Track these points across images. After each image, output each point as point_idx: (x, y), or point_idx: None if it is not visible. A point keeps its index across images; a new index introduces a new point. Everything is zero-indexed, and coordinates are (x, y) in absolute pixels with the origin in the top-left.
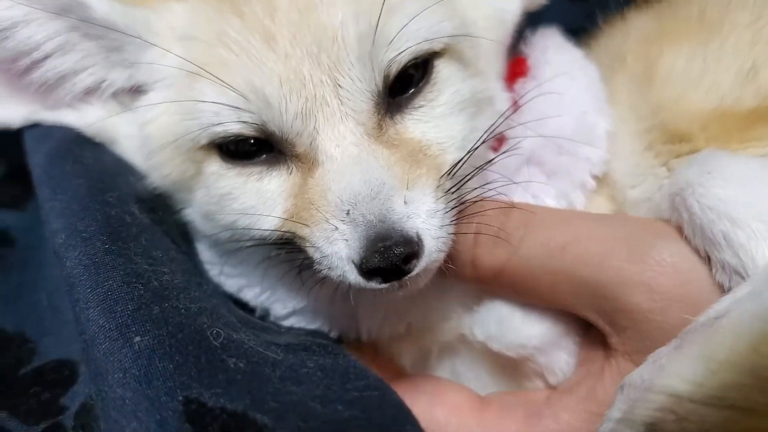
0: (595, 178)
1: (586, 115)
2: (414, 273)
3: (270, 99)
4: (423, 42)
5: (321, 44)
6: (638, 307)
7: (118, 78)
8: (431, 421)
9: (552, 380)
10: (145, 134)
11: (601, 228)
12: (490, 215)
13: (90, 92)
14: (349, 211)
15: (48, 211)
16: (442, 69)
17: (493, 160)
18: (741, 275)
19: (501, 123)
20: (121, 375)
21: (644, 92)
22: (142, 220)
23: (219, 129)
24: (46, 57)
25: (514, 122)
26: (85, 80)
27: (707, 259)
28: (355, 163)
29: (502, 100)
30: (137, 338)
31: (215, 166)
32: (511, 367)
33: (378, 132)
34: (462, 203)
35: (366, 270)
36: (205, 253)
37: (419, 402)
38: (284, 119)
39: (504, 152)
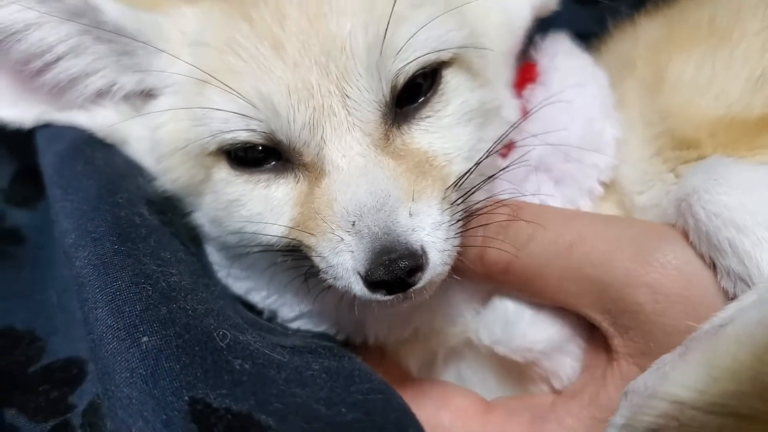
0: (603, 184)
1: (593, 121)
2: (418, 286)
3: (278, 108)
4: (431, 52)
5: (329, 54)
6: (642, 308)
7: (129, 82)
8: (437, 425)
9: (557, 385)
10: (155, 138)
11: (607, 228)
12: (500, 213)
13: (101, 94)
14: (354, 222)
15: (58, 211)
16: (451, 79)
17: (502, 170)
18: (746, 282)
19: (510, 132)
20: (128, 374)
21: (653, 98)
22: (152, 221)
23: (228, 136)
24: (58, 59)
25: (522, 130)
26: (96, 83)
27: (712, 265)
28: (361, 174)
29: (510, 108)
30: (145, 338)
31: (224, 172)
32: (517, 372)
33: (385, 142)
34: (469, 215)
35: (371, 282)
36: (213, 255)
37: (425, 406)
38: (292, 128)
39: (515, 162)
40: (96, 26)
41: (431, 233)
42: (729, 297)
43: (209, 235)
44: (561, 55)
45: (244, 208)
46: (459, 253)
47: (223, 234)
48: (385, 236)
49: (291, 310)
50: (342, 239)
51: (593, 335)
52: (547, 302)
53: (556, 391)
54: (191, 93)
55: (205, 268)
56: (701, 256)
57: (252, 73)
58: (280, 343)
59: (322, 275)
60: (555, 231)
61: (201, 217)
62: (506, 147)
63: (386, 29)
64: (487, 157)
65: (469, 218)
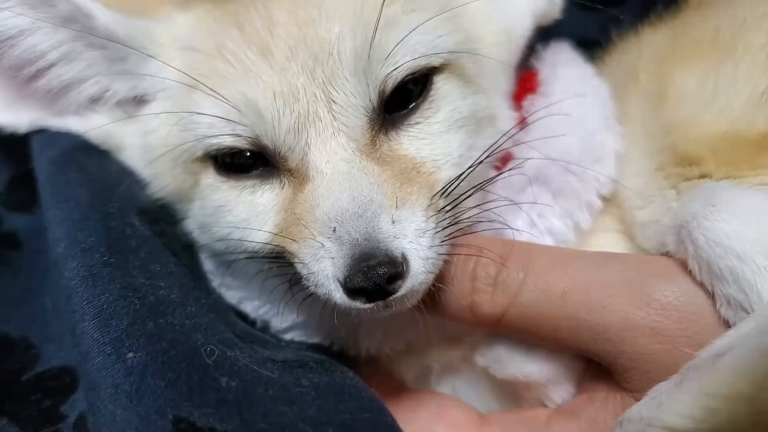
0: (603, 197)
1: (594, 133)
2: (399, 294)
3: (263, 112)
4: (420, 57)
5: (317, 58)
6: (644, 349)
7: (122, 88)
8: None
9: (550, 405)
10: (146, 144)
11: (601, 270)
12: (487, 258)
13: (95, 101)
14: (335, 228)
15: (50, 219)
16: (442, 86)
17: (492, 179)
18: (746, 311)
19: (505, 142)
20: (113, 391)
21: (656, 112)
22: (143, 231)
23: (213, 141)
24: (51, 65)
25: (520, 141)
26: (89, 89)
27: (712, 293)
28: (344, 180)
29: (505, 118)
30: (130, 354)
31: (211, 178)
32: (512, 388)
33: (371, 148)
34: (458, 222)
35: (349, 289)
36: (207, 263)
37: (421, 418)
38: (277, 133)
39: (506, 171)
40: (88, 32)
41: (414, 240)
42: (729, 325)
43: (199, 242)
44: (562, 65)
45: (230, 214)
46: (446, 261)
47: (211, 240)
48: (365, 242)
49: (283, 321)
50: (323, 245)
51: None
52: (542, 345)
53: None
54: (181, 98)
55: (197, 279)
56: (700, 284)
57: (239, 78)
58: (271, 357)
59: (304, 282)
60: (546, 277)
61: (190, 224)
62: (503, 159)
63: (374, 34)
64: (478, 164)
65: (457, 225)
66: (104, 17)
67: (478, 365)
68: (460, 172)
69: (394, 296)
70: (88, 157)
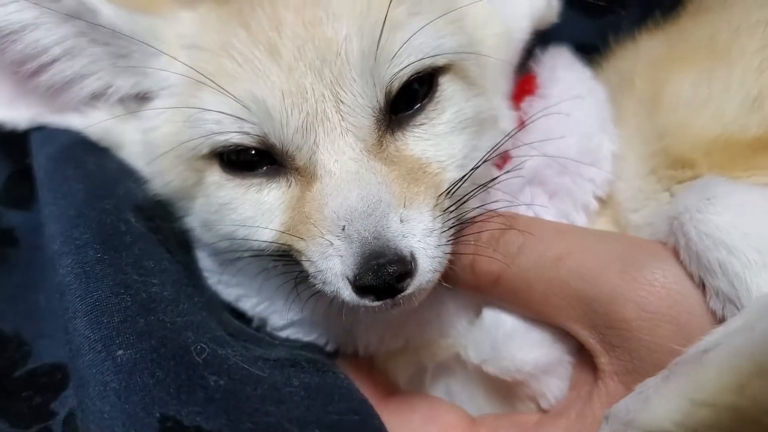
0: (598, 199)
1: (591, 135)
2: (407, 292)
3: (271, 111)
4: (425, 57)
5: (324, 59)
6: (628, 324)
7: (125, 84)
8: None
9: (544, 404)
10: (148, 141)
11: (597, 243)
12: (493, 222)
13: (96, 97)
14: (344, 227)
15: (47, 215)
16: (447, 87)
17: (494, 179)
18: (735, 304)
19: (505, 142)
20: (101, 388)
21: (651, 116)
22: (138, 228)
23: (221, 138)
24: (53, 61)
25: (518, 141)
26: (91, 85)
27: (701, 285)
28: (352, 179)
29: (506, 119)
30: (120, 351)
31: (216, 176)
32: (505, 389)
33: (378, 148)
34: (461, 222)
35: (359, 287)
36: (204, 260)
37: (412, 420)
38: (285, 132)
39: (506, 172)
40: (92, 28)
41: (422, 239)
42: (717, 318)
43: (200, 240)
44: (561, 67)
45: (236, 212)
46: (450, 261)
47: (214, 238)
48: (375, 241)
49: (281, 318)
50: (331, 243)
51: (581, 353)
52: (534, 315)
53: (543, 410)
54: (186, 95)
55: (192, 277)
56: (691, 276)
57: (247, 76)
58: (263, 356)
59: (311, 280)
60: (545, 243)
61: (192, 221)
62: (502, 158)
63: (380, 35)
64: (480, 165)
65: (461, 226)
66: (108, 13)
67: (472, 364)
68: (464, 173)
69: (402, 294)
70: (86, 154)
